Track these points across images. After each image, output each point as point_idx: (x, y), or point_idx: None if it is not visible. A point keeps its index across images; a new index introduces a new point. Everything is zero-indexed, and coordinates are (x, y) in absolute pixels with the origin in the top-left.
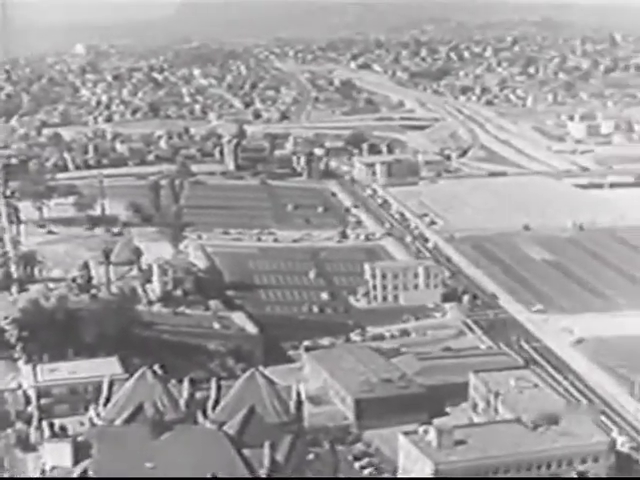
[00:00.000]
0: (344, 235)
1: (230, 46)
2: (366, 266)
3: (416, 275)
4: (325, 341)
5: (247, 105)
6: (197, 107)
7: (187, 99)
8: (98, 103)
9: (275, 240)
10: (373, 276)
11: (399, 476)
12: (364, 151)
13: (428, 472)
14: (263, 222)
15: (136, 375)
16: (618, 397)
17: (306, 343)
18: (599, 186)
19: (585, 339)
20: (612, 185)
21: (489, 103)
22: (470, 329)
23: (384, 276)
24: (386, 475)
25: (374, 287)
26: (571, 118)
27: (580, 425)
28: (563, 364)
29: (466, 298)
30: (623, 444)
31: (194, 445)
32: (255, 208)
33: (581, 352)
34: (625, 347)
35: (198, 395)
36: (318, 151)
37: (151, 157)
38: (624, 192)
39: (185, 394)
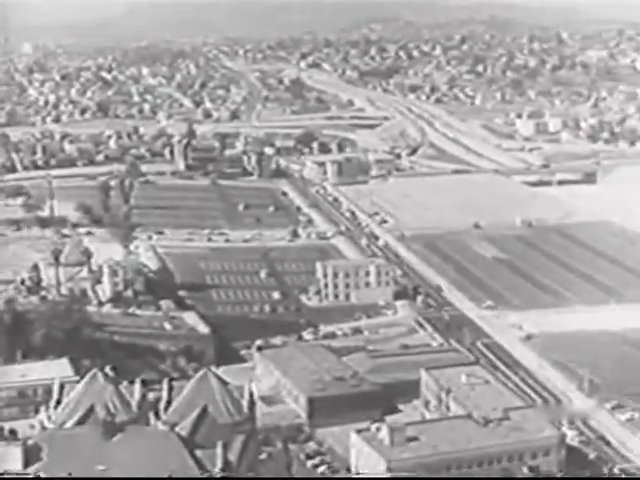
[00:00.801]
0: (295, 234)
1: (179, 45)
2: (318, 265)
3: (367, 273)
4: (277, 340)
5: (197, 104)
6: (146, 107)
7: (136, 98)
8: (46, 103)
9: (226, 240)
10: (324, 275)
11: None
12: (314, 150)
13: (381, 470)
14: (214, 222)
15: (87, 377)
16: (567, 392)
17: (258, 342)
18: (548, 183)
19: (535, 335)
20: (560, 182)
21: (438, 101)
22: (421, 326)
23: (335, 275)
24: (341, 474)
25: (325, 286)
26: (519, 116)
27: (530, 420)
28: (513, 360)
29: (417, 296)
30: (573, 438)
31: (146, 446)
32: (206, 208)
33: (531, 348)
34: (574, 342)
35: (150, 396)
36: (268, 150)
37: (100, 157)
38: (572, 189)
39: (137, 395)
